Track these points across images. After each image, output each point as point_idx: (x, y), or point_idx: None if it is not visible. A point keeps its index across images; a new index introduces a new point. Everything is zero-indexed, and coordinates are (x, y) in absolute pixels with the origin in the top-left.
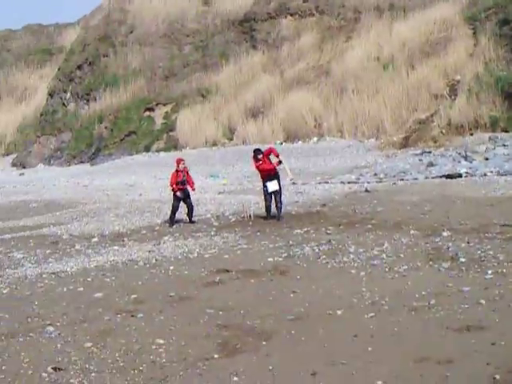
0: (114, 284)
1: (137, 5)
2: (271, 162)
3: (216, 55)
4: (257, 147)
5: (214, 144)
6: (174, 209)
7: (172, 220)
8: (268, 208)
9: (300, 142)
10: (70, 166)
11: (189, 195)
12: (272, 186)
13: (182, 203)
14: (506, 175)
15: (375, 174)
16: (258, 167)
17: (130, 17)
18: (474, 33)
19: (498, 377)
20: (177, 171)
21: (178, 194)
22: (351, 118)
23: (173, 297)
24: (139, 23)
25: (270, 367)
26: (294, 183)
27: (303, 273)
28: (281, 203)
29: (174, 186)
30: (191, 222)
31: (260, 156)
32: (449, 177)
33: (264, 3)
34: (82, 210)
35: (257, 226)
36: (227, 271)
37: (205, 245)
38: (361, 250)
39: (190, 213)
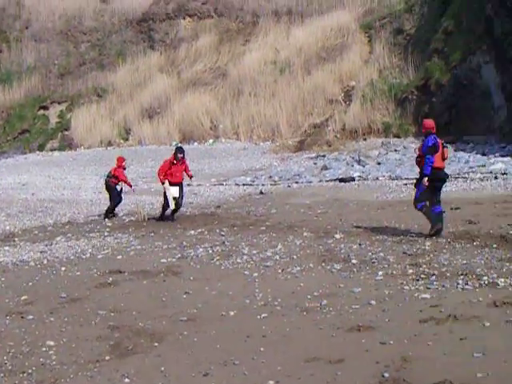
0: (3, 285)
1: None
2: (181, 173)
3: (113, 54)
4: (180, 146)
5: (110, 144)
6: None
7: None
8: (165, 209)
9: (196, 143)
10: None
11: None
12: (175, 191)
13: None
14: (397, 179)
15: (270, 177)
16: (171, 167)
17: (26, 12)
18: (370, 41)
19: (386, 375)
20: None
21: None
22: (247, 120)
23: (64, 298)
24: (35, 19)
25: (162, 368)
26: (188, 184)
27: (196, 274)
28: (180, 205)
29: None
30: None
31: (181, 156)
32: (342, 180)
33: (163, 3)
34: None
35: (151, 226)
36: (120, 272)
37: (98, 245)
38: (254, 252)
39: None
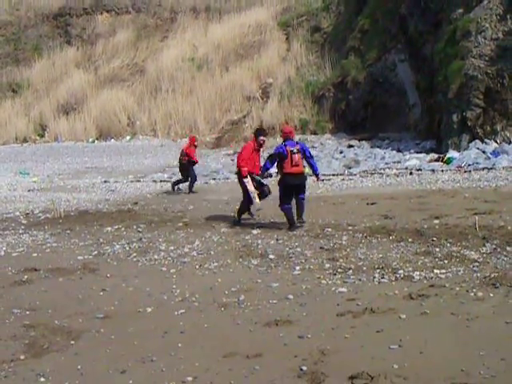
0: None
1: None
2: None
3: (29, 49)
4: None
5: (25, 140)
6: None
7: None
8: (245, 208)
9: (113, 139)
10: None
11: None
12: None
13: None
14: (311, 176)
15: None
16: (251, 154)
17: None
18: (287, 38)
19: (304, 368)
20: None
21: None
22: (165, 117)
23: None
24: None
25: (79, 367)
26: (105, 181)
27: (113, 271)
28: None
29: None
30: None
31: (262, 140)
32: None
33: None
34: None
35: (67, 223)
36: (35, 270)
37: (12, 243)
38: (172, 248)
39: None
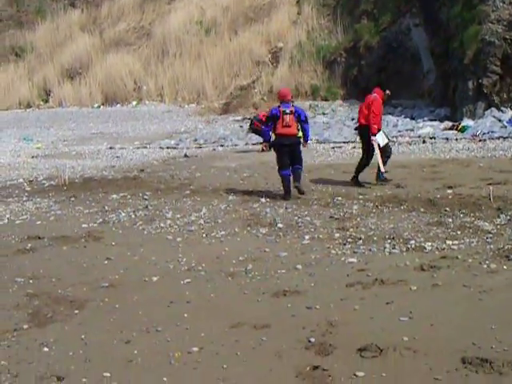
0: None
1: None
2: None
3: (32, 11)
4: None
5: (28, 106)
6: None
7: None
8: (364, 166)
9: (118, 105)
10: None
11: None
12: (382, 139)
13: None
14: (324, 143)
15: (195, 140)
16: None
17: None
18: (298, 1)
19: (313, 340)
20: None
21: None
22: (172, 82)
23: None
24: None
25: (83, 336)
26: (110, 147)
27: (119, 239)
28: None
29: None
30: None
31: (388, 93)
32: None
33: None
34: None
35: (71, 191)
36: (39, 238)
37: (16, 211)
38: (178, 216)
39: None
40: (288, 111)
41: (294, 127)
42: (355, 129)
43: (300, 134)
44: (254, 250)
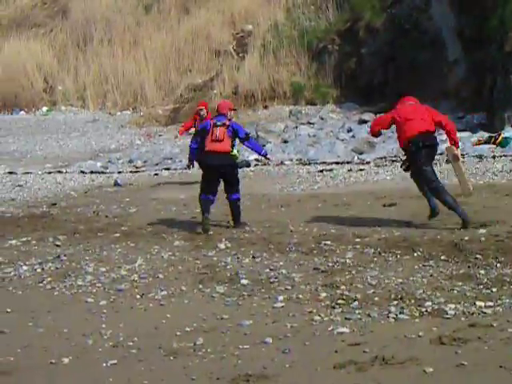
0: None
1: None
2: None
3: None
4: None
5: None
6: None
7: None
8: None
9: (22, 112)
10: None
11: None
12: None
13: None
14: (309, 164)
15: (130, 162)
16: None
17: None
18: None
19: None
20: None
21: None
22: (97, 80)
23: None
24: None
25: None
26: (10, 172)
27: (16, 304)
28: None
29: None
30: None
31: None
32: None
33: None
34: None
35: None
36: None
37: None
38: (103, 270)
39: None
40: (219, 123)
41: (227, 143)
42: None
43: (235, 151)
44: (206, 316)
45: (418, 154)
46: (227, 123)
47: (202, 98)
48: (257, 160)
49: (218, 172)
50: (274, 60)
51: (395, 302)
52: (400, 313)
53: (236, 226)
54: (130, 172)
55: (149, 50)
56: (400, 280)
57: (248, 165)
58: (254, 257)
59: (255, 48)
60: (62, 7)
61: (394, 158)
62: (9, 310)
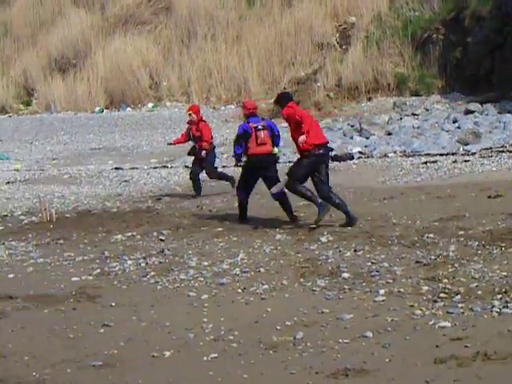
0: None
1: None
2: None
3: None
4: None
5: (3, 111)
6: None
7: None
8: None
9: (129, 108)
10: None
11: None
12: None
13: None
14: (413, 156)
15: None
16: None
17: None
18: None
19: None
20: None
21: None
22: (202, 75)
23: None
24: None
25: None
26: (117, 168)
27: (121, 298)
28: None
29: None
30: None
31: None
32: (336, 159)
33: None
34: None
35: (59, 230)
36: (10, 298)
37: None
38: (205, 264)
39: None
40: (260, 126)
41: (269, 144)
42: None
43: (276, 150)
44: (307, 310)
45: None
46: (264, 124)
47: (305, 91)
48: (360, 153)
49: (262, 172)
50: (377, 51)
51: (499, 296)
52: (504, 307)
53: (293, 220)
54: (234, 166)
55: (252, 44)
56: (504, 273)
57: (351, 157)
58: (355, 250)
59: (358, 40)
60: (167, 4)
61: (500, 149)
62: (113, 304)
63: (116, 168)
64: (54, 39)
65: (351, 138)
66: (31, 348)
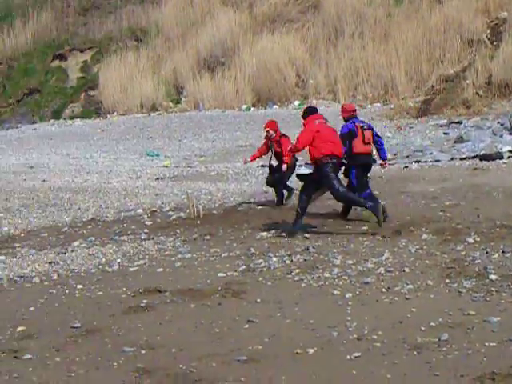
0: None
1: None
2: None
3: None
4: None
5: (154, 109)
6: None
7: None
8: None
9: (275, 106)
10: None
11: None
12: None
13: None
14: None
15: None
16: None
17: None
18: None
19: None
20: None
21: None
22: (348, 73)
23: (77, 329)
24: None
25: None
26: (263, 166)
27: (266, 294)
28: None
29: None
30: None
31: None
32: (485, 158)
33: None
34: None
35: (207, 226)
36: (159, 291)
37: (130, 253)
38: (350, 262)
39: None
40: (366, 126)
41: (371, 145)
42: None
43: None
44: (452, 312)
45: None
46: (367, 125)
47: (454, 89)
48: (510, 152)
49: (366, 170)
50: None
51: None
52: None
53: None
54: (380, 165)
55: (399, 42)
56: None
57: (501, 157)
58: (503, 252)
59: (510, 36)
60: (314, 2)
61: None
62: (258, 300)
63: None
64: (203, 38)
65: (501, 136)
66: (178, 341)
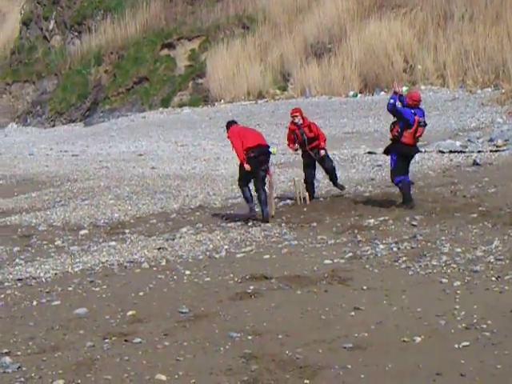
0: (104, 295)
1: None
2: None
3: None
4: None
5: (261, 96)
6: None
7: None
8: None
9: (382, 92)
10: (54, 126)
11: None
12: None
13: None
14: None
15: (490, 140)
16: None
17: None
18: None
19: None
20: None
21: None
22: (458, 58)
23: (185, 314)
24: None
25: None
26: (370, 152)
27: (372, 282)
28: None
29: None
30: (339, 187)
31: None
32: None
33: None
34: (69, 190)
35: (313, 213)
36: (265, 278)
37: (237, 240)
38: (458, 250)
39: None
40: (423, 123)
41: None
42: None
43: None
44: None
45: None
46: (424, 120)
47: None
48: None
49: (408, 158)
50: None
51: None
52: None
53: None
54: (490, 151)
55: None
56: None
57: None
58: None
59: None
60: None
61: None
62: (364, 288)
63: (369, 152)
64: (310, 25)
65: None
66: (285, 327)
